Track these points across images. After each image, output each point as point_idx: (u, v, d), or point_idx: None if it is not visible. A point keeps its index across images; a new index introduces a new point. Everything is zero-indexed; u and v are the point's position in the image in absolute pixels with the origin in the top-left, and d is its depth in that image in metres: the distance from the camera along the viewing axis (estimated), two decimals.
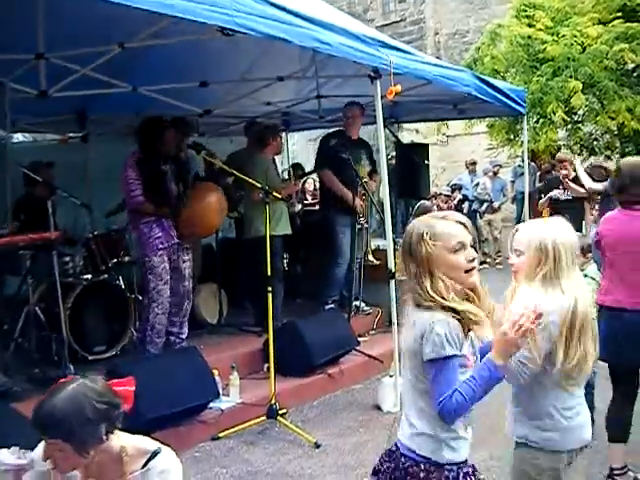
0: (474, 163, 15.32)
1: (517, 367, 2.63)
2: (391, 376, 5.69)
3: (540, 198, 9.34)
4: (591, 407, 4.53)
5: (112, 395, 2.19)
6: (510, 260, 2.88)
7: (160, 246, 5.81)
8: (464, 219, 2.41)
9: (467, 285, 2.37)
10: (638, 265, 4.09)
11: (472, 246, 2.37)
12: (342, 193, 7.44)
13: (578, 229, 6.29)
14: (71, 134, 7.98)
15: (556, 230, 2.76)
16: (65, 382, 2.18)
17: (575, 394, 2.79)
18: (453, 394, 2.27)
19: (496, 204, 13.43)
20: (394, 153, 10.02)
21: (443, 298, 2.29)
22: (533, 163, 13.15)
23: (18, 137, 8.87)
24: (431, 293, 2.30)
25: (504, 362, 2.30)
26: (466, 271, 2.35)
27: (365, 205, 7.53)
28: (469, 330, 2.37)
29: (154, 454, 2.27)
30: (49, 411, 2.09)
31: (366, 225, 7.51)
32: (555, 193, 8.88)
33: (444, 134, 16.36)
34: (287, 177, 9.16)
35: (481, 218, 13.73)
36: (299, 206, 8.32)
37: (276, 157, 7.88)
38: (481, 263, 12.91)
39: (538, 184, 11.92)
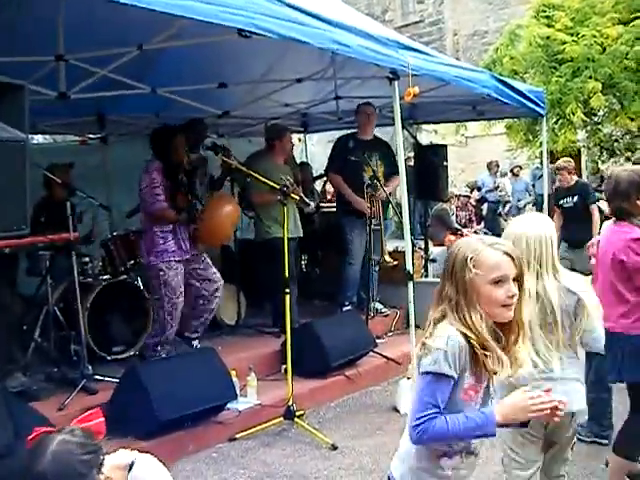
0: (497, 165, 15.25)
1: None
2: (409, 378, 5.65)
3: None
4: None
5: (92, 439, 2.07)
6: None
7: (172, 259, 5.80)
8: (513, 251, 2.30)
9: (502, 319, 2.27)
10: (607, 284, 3.82)
11: (516, 279, 2.26)
12: (348, 195, 7.50)
13: (588, 236, 6.15)
14: (91, 135, 8.03)
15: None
16: (42, 441, 2.02)
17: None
18: (436, 417, 2.19)
19: (522, 203, 13.30)
20: (412, 154, 9.98)
21: (478, 332, 2.20)
22: (551, 164, 13.01)
23: (38, 139, 8.95)
24: (469, 323, 2.21)
25: (502, 422, 2.21)
26: (503, 305, 2.25)
27: (376, 207, 7.40)
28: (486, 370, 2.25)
29: (130, 467, 2.19)
30: (39, 478, 1.94)
31: (378, 227, 7.39)
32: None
33: (463, 135, 16.29)
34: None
35: (505, 220, 13.67)
36: (312, 204, 8.09)
37: (296, 158, 7.85)
38: None
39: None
